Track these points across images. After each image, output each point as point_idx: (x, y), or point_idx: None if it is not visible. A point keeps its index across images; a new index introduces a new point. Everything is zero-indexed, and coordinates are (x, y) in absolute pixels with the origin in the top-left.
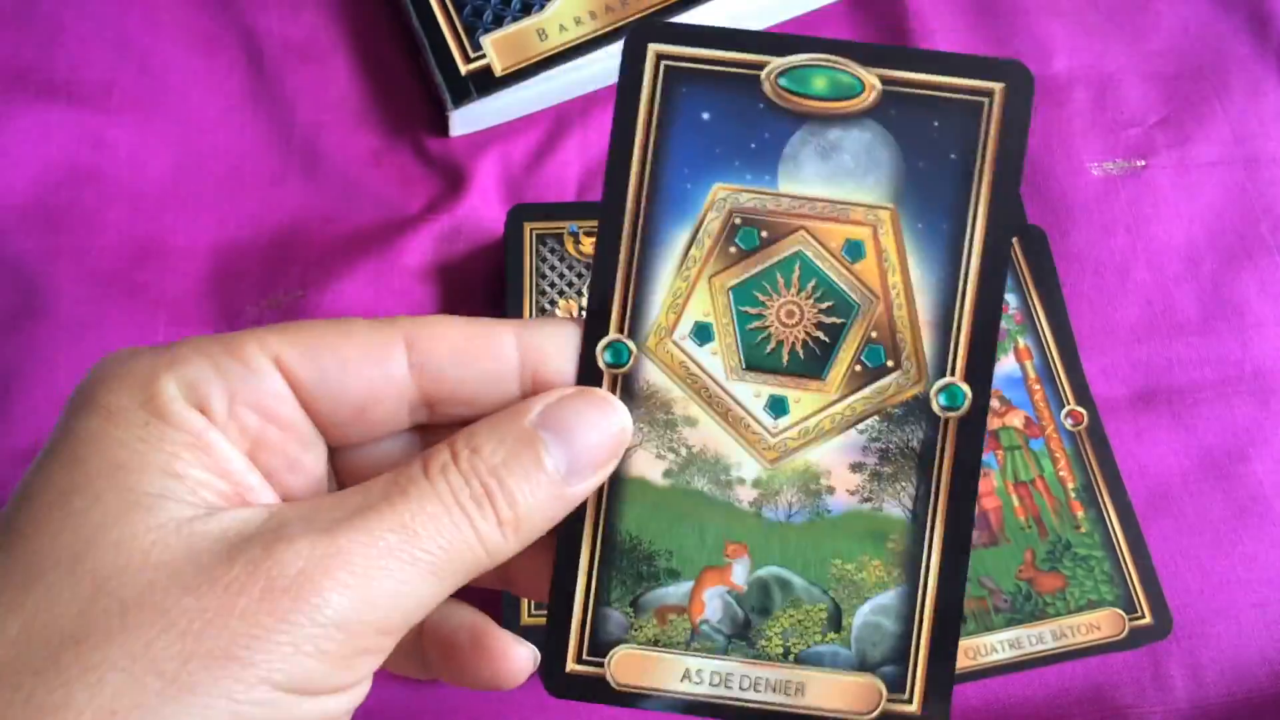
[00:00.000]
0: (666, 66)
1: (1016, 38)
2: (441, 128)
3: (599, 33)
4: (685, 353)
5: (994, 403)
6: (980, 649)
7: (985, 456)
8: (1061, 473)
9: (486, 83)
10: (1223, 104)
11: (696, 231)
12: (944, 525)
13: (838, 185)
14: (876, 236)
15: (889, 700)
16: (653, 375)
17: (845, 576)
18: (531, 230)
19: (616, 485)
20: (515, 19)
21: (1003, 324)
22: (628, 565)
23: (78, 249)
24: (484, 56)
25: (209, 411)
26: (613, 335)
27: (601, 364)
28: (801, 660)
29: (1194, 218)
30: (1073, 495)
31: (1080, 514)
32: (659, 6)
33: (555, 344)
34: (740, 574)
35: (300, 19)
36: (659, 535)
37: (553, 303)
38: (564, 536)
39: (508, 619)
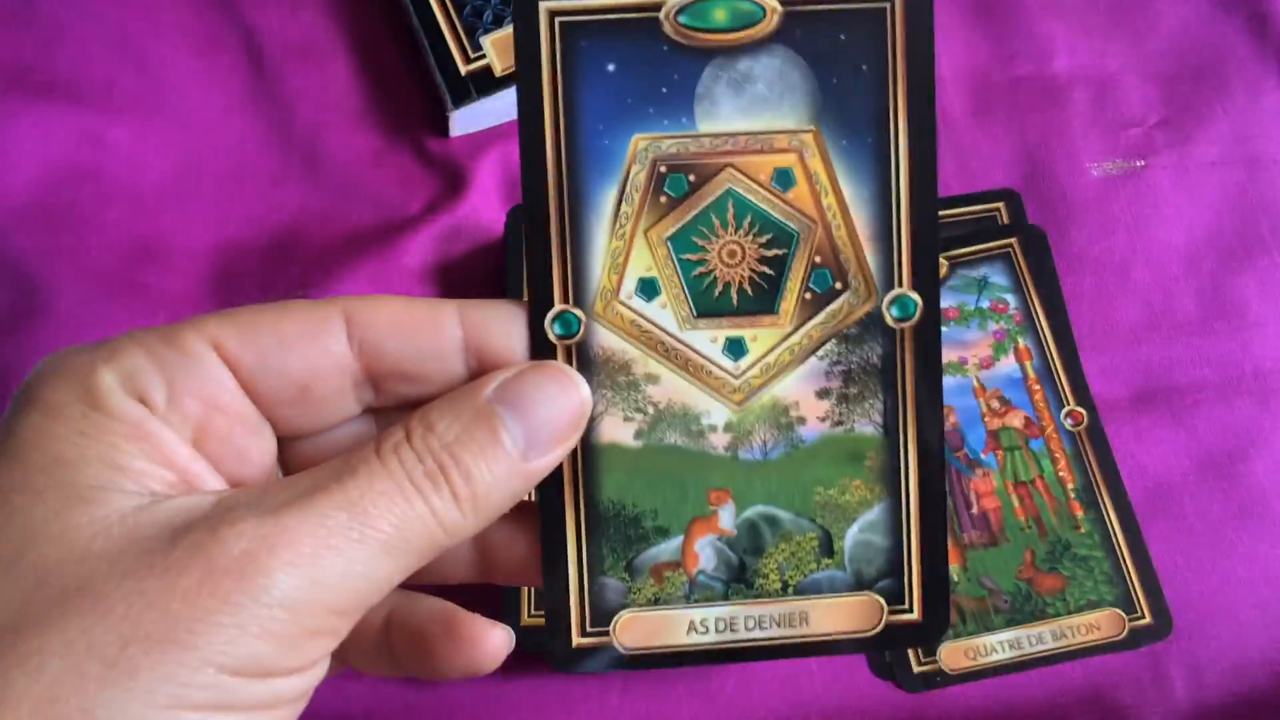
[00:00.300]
0: (562, 23)
1: (1016, 38)
2: (441, 128)
3: None
4: (634, 311)
5: (994, 403)
6: (980, 649)
7: (985, 457)
8: (1061, 473)
9: (486, 83)
10: (1223, 104)
11: (624, 187)
12: (916, 433)
13: (756, 116)
14: (804, 161)
15: (890, 613)
16: (606, 339)
17: (830, 502)
18: None
19: (591, 454)
20: None
21: (1002, 324)
22: (615, 531)
23: (77, 249)
24: (484, 57)
25: (149, 401)
26: (559, 306)
27: (552, 337)
28: (800, 591)
29: (1194, 218)
30: (1072, 495)
31: (1080, 514)
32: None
33: (499, 320)
34: (727, 519)
35: (300, 19)
36: (641, 496)
37: None
38: (547, 514)
39: (508, 622)
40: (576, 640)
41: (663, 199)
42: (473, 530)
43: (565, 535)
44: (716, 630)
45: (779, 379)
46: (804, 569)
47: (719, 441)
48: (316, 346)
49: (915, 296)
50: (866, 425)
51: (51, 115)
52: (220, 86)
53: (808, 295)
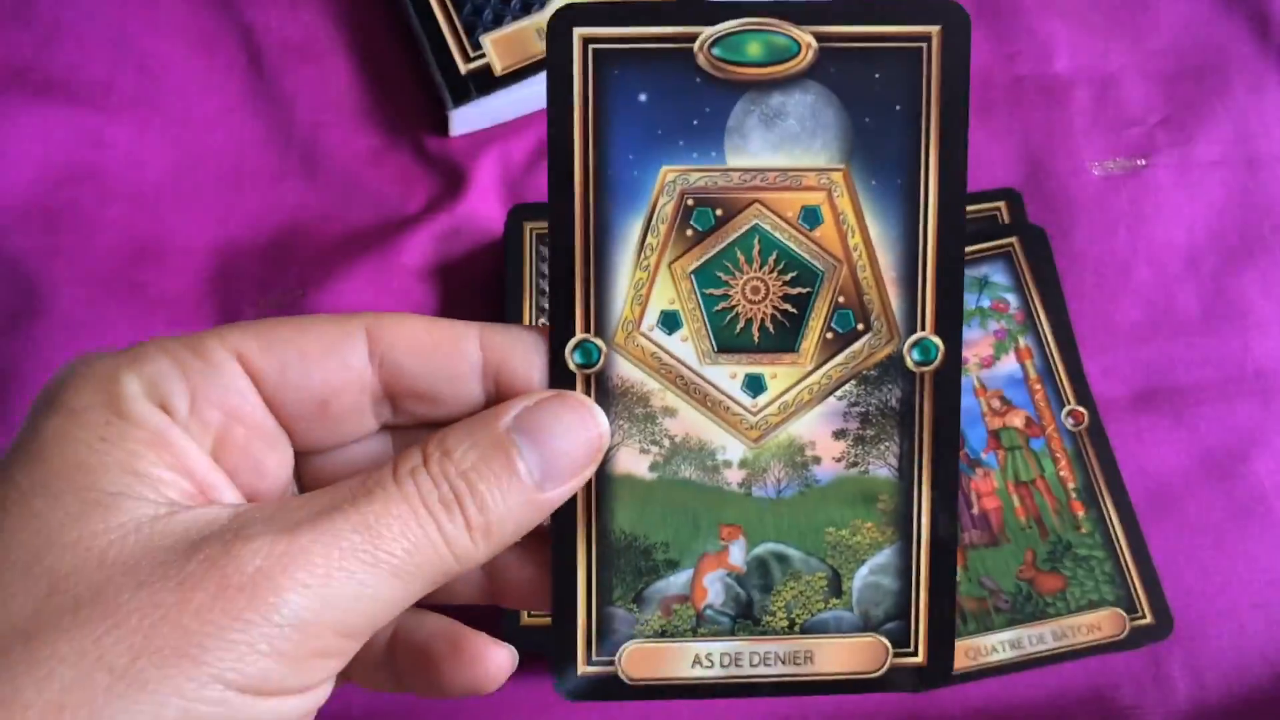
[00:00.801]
0: (595, 50)
1: (1017, 37)
2: (441, 127)
3: None
4: (655, 343)
5: (995, 403)
6: (981, 649)
7: (986, 457)
8: (1062, 473)
9: (486, 82)
10: (1224, 103)
11: (650, 218)
12: (930, 478)
13: (786, 152)
14: (832, 199)
15: (895, 655)
16: (625, 371)
17: (840, 542)
18: (531, 230)
19: (605, 485)
20: (515, 18)
21: (1003, 324)
22: (626, 562)
23: (77, 248)
24: (484, 56)
25: (170, 409)
26: (580, 335)
27: (572, 366)
28: (807, 630)
29: (1195, 217)
30: (1073, 495)
31: (1081, 514)
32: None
33: (519, 346)
34: (738, 555)
35: (299, 18)
36: (653, 528)
37: None
38: (559, 542)
39: (508, 621)
40: (582, 669)
41: (689, 232)
42: (484, 558)
43: (576, 564)
44: (721, 665)
45: (796, 418)
46: (811, 608)
47: (733, 477)
48: (337, 361)
49: (937, 341)
50: (881, 468)
51: (51, 114)
52: (219, 86)
53: (829, 335)
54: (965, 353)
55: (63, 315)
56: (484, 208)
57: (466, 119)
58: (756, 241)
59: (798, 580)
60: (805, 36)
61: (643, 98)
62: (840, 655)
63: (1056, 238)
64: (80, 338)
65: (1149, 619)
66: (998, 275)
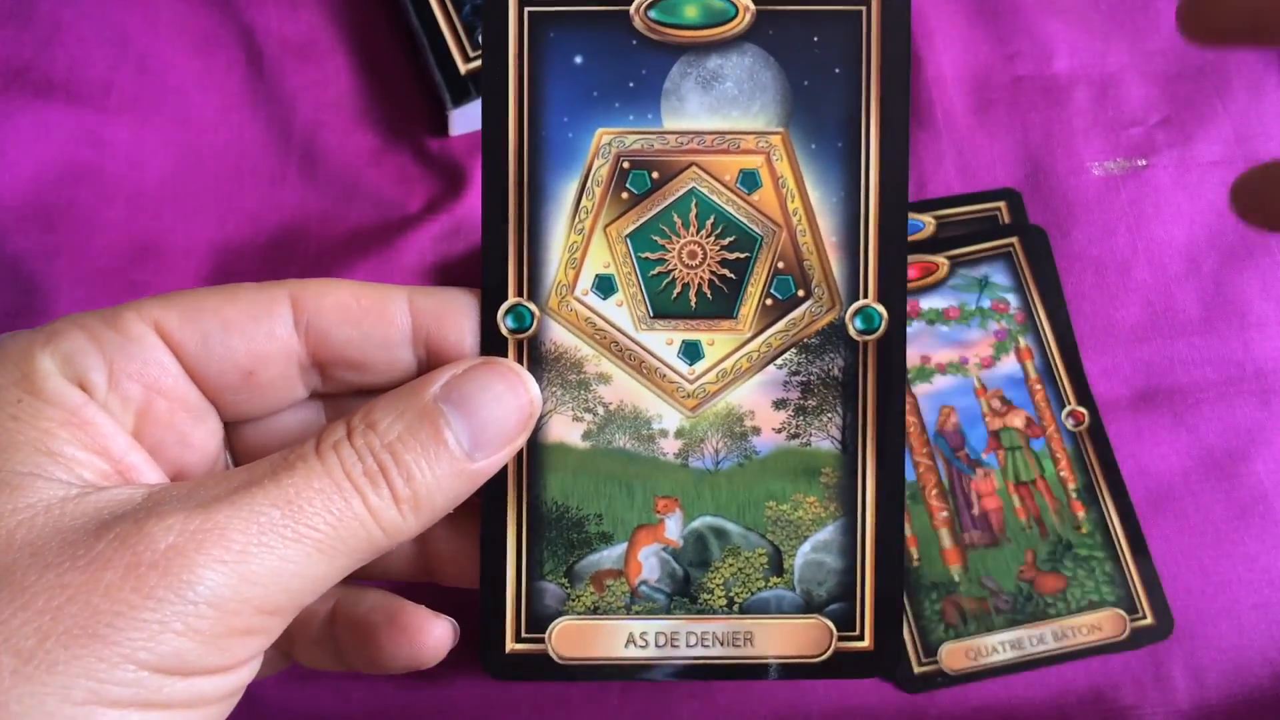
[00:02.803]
0: (531, 13)
1: (1016, 37)
2: (441, 127)
3: None
4: (589, 308)
5: (995, 403)
6: (981, 650)
7: (986, 457)
8: (1063, 473)
9: None
10: (1224, 103)
11: (585, 180)
12: (875, 451)
13: (724, 115)
14: (770, 163)
15: (840, 639)
16: (559, 335)
17: (781, 517)
18: None
19: (536, 453)
20: None
21: (1004, 324)
22: (557, 534)
23: (76, 248)
24: None
25: (88, 386)
26: (512, 299)
27: (504, 330)
28: (746, 609)
29: (1196, 217)
30: (1074, 495)
31: (1081, 514)
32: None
33: (450, 310)
34: (674, 529)
35: (299, 18)
36: (586, 499)
37: None
38: (487, 513)
39: None
40: (510, 646)
41: (624, 195)
42: (414, 532)
43: (505, 536)
44: (657, 645)
45: (735, 386)
46: (751, 586)
47: (669, 447)
48: (261, 330)
49: (880, 309)
50: (824, 440)
51: (50, 114)
52: (219, 85)
53: (769, 301)
54: (966, 354)
55: (62, 315)
56: None
57: (466, 119)
58: (694, 205)
59: (737, 556)
60: None
61: (578, 60)
62: (781, 637)
63: (1056, 238)
64: None
65: (1149, 619)
66: (998, 275)
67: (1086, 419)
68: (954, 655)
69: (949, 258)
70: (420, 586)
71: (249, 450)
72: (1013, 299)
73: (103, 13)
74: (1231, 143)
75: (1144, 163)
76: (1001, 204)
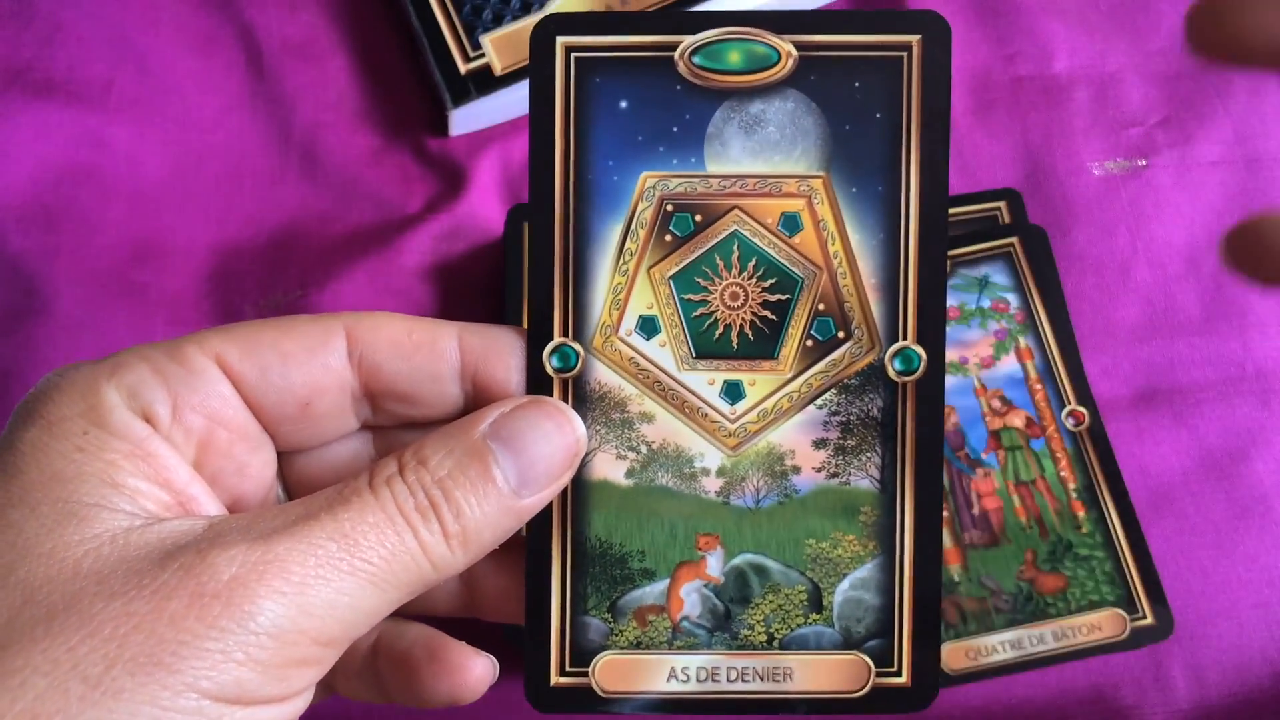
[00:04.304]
0: (577, 59)
1: (1016, 37)
2: (441, 127)
3: None
4: (633, 348)
5: (995, 403)
6: (981, 650)
7: (986, 457)
8: (1063, 473)
9: (486, 82)
10: (1224, 103)
11: (630, 223)
12: (914, 491)
13: (766, 159)
14: (812, 206)
15: (878, 675)
16: (603, 375)
17: (821, 555)
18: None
19: (580, 491)
20: (515, 18)
21: (1004, 324)
22: (600, 571)
23: (76, 248)
24: (483, 55)
25: (153, 418)
26: (558, 339)
27: (550, 370)
28: (786, 645)
29: (1195, 217)
30: (1074, 495)
31: (1081, 514)
32: (658, 6)
33: (497, 348)
34: (715, 566)
35: (299, 18)
36: (629, 536)
37: None
38: (533, 549)
39: (507, 629)
40: (555, 679)
41: (668, 237)
42: (462, 566)
43: (550, 572)
44: (698, 679)
45: (776, 426)
46: (791, 622)
47: (711, 485)
48: (317, 362)
49: (919, 350)
50: (863, 479)
51: (50, 114)
52: (219, 86)
53: (809, 343)
54: (966, 354)
55: (63, 315)
56: (484, 208)
57: (466, 119)
58: (736, 247)
59: (777, 593)
60: (785, 45)
61: (624, 105)
62: (821, 673)
63: (1056, 238)
64: (80, 338)
65: (1149, 619)
66: (998, 275)
67: (1086, 419)
68: (954, 655)
69: (949, 258)
70: (458, 621)
71: (300, 479)
72: (1013, 299)
73: (103, 13)
74: (1231, 143)
75: (1144, 163)
76: (1002, 204)
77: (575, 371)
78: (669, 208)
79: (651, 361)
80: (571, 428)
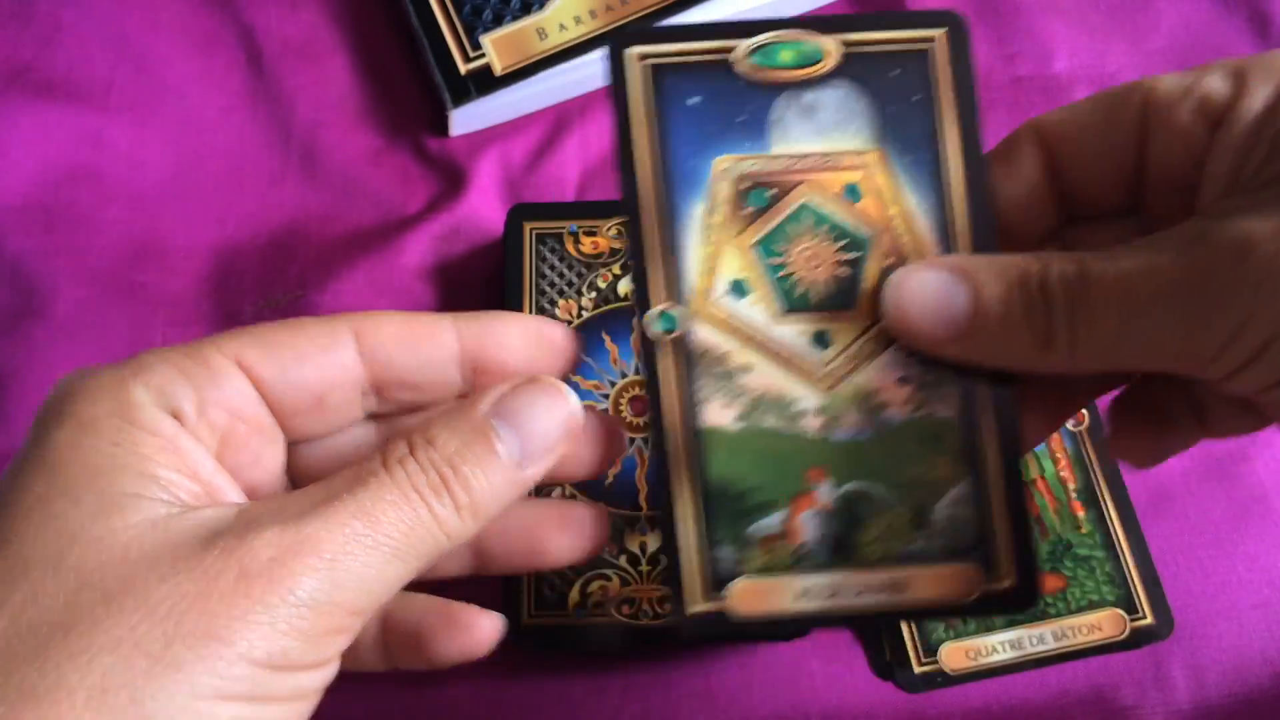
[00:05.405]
0: (650, 65)
1: (1017, 37)
2: (441, 127)
3: (599, 32)
4: (727, 309)
5: None
6: (981, 650)
7: None
8: (1062, 473)
9: (486, 82)
10: None
11: (710, 201)
12: (993, 415)
13: (825, 139)
14: (870, 176)
15: (985, 581)
16: (704, 334)
17: (918, 479)
18: (531, 230)
19: (698, 438)
20: (515, 18)
21: None
22: (723, 507)
23: (76, 248)
24: (483, 56)
25: (180, 415)
26: (659, 306)
27: (655, 333)
28: (898, 560)
29: None
30: (1074, 495)
31: (1081, 514)
32: (658, 6)
33: (492, 331)
34: (826, 495)
35: (299, 18)
36: (745, 474)
37: (552, 302)
38: (660, 493)
39: (510, 621)
40: (698, 606)
41: (746, 210)
42: (471, 534)
43: (681, 513)
44: (823, 596)
45: (862, 368)
46: (900, 540)
47: (812, 424)
48: (330, 359)
49: None
50: (945, 410)
51: (50, 114)
52: (219, 85)
53: None
54: None
55: (63, 315)
56: (484, 208)
57: (466, 119)
58: (808, 216)
59: (883, 515)
60: (830, 43)
61: (694, 101)
62: (933, 582)
63: None
64: (80, 338)
65: (1149, 619)
66: None
67: (1086, 419)
68: (954, 655)
69: None
70: (451, 585)
71: (305, 466)
72: None
73: (103, 13)
74: None
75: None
76: None
77: (678, 333)
78: (744, 185)
79: (745, 319)
80: (565, 401)
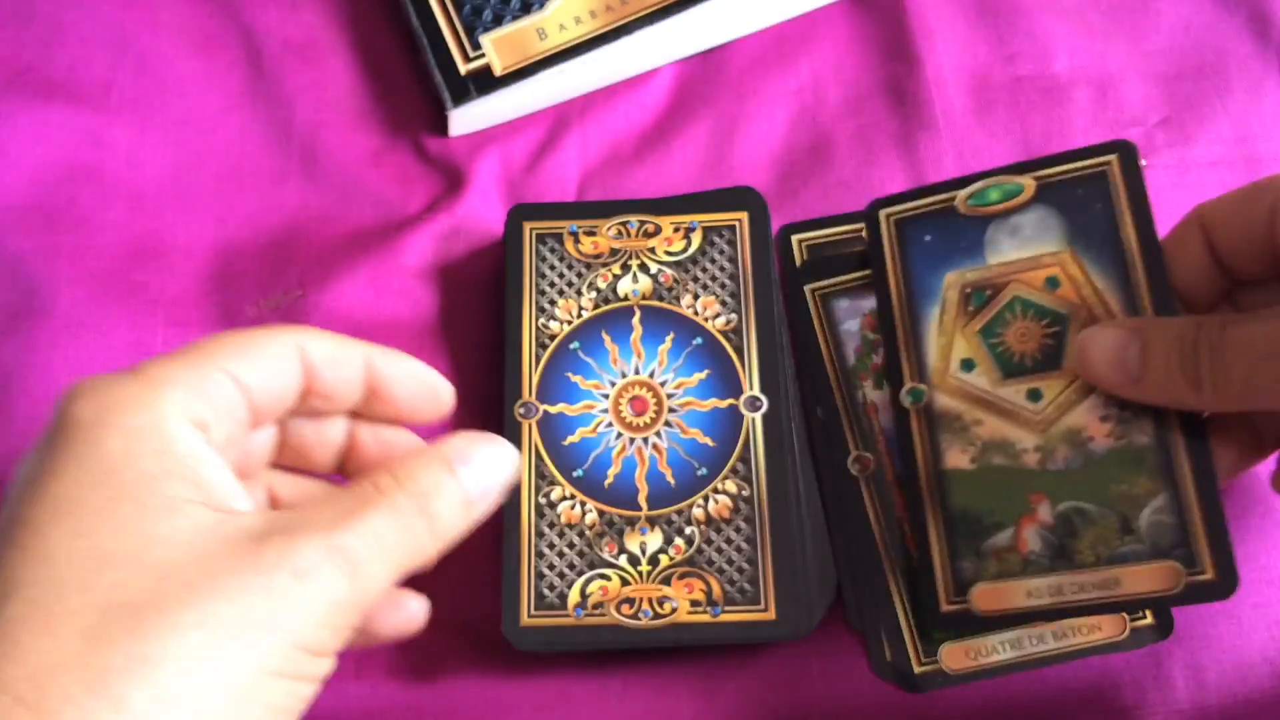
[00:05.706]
0: (894, 219)
1: (1017, 37)
2: (441, 127)
3: (599, 32)
4: (960, 380)
5: None
6: (981, 650)
7: None
8: None
9: (486, 82)
10: (1224, 104)
11: (942, 305)
12: (1183, 438)
13: (1028, 248)
14: (1065, 270)
15: (1189, 574)
16: (944, 401)
17: (1123, 494)
18: (531, 230)
19: (940, 477)
20: (515, 18)
21: None
22: (964, 528)
23: (76, 248)
24: (483, 56)
25: (204, 426)
26: (910, 384)
27: (906, 404)
28: (1110, 562)
29: None
30: None
31: None
32: (658, 7)
33: (394, 366)
34: (1046, 513)
35: (299, 18)
36: (980, 501)
37: (552, 302)
38: (916, 523)
39: (508, 621)
40: (944, 608)
41: (970, 307)
42: (436, 555)
43: (930, 534)
44: (1050, 594)
45: (1069, 412)
46: (1111, 545)
47: (1031, 459)
48: (289, 370)
49: None
50: (1142, 437)
51: (50, 114)
52: (219, 85)
53: None
54: None
55: (63, 315)
56: (484, 208)
57: (466, 119)
58: (1018, 305)
59: (1096, 525)
60: (1026, 180)
61: (928, 238)
62: (1143, 578)
63: None
64: (80, 338)
65: (1149, 619)
66: None
67: None
68: (954, 655)
69: None
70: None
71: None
72: None
73: (103, 13)
74: (1231, 143)
75: (1144, 163)
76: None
77: (924, 402)
78: (968, 290)
79: (974, 386)
80: (508, 453)
